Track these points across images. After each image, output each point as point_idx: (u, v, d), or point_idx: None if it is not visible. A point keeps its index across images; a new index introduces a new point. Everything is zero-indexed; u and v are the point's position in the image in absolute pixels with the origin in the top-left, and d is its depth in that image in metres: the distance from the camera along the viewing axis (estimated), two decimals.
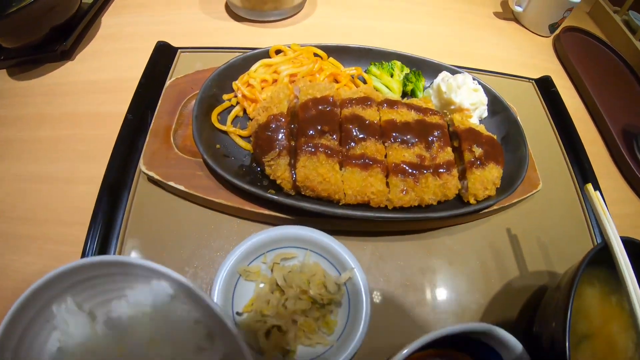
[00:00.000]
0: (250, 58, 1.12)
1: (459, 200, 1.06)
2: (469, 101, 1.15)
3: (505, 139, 1.21)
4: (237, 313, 0.88)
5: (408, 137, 1.00)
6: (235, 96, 1.08)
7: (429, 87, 1.22)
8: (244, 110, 1.08)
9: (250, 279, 0.91)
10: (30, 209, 1.00)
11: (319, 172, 0.92)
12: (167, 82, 1.18)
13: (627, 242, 0.82)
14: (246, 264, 0.91)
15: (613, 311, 0.85)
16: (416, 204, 0.98)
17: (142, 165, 1.03)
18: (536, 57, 1.66)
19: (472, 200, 1.03)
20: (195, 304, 0.72)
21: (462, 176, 1.06)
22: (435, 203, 1.00)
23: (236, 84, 1.07)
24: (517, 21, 1.77)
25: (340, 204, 0.94)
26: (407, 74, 1.18)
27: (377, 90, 1.11)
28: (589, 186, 0.92)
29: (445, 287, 1.01)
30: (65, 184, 1.06)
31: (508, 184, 1.10)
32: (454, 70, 1.22)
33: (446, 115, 1.12)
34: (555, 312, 0.75)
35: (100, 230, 0.96)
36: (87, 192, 1.01)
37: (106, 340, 0.69)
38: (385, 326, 0.92)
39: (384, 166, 0.96)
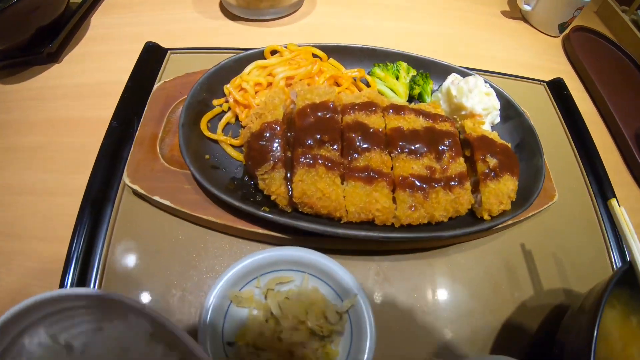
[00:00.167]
0: (243, 59, 0.99)
1: (471, 214, 0.92)
2: (481, 106, 1.01)
3: (519, 147, 1.08)
4: (228, 343, 0.75)
5: (417, 146, 0.86)
6: (227, 101, 0.94)
7: (437, 90, 1.08)
8: (237, 117, 0.94)
9: (243, 305, 0.78)
10: (10, 223, 0.91)
11: (318, 187, 0.78)
12: (155, 86, 1.04)
13: None
14: (238, 289, 0.78)
15: (634, 333, 0.77)
16: (425, 222, 0.84)
17: (125, 178, 0.90)
18: (545, 57, 1.52)
19: (486, 216, 0.90)
20: (175, 343, 0.60)
21: (475, 189, 0.92)
22: (446, 220, 0.86)
23: (227, 88, 0.93)
24: (525, 20, 1.62)
25: (341, 222, 0.81)
26: (414, 76, 1.04)
27: (381, 95, 0.97)
28: (614, 202, 0.79)
29: (456, 309, 0.88)
30: (47, 197, 0.94)
31: (523, 197, 0.96)
32: (464, 72, 1.08)
33: (456, 121, 0.99)
34: (579, 338, 0.69)
35: (82, 248, 0.84)
36: (70, 206, 0.89)
37: None
38: (390, 355, 0.80)
39: (390, 180, 0.82)
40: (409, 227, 0.83)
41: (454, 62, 1.15)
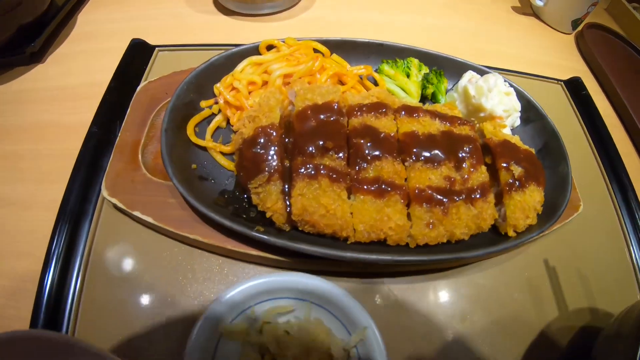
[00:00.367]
0: (236, 55, 0.83)
1: (493, 229, 0.78)
2: (502, 107, 0.86)
3: (542, 153, 0.93)
4: None
5: (434, 153, 0.71)
6: (216, 103, 0.79)
7: (451, 89, 0.93)
8: (228, 121, 0.79)
9: (234, 339, 0.63)
10: None
11: (321, 202, 0.63)
12: (138, 87, 0.89)
13: None
14: (229, 321, 0.64)
15: None
16: (444, 241, 0.69)
17: (103, 190, 0.75)
18: (558, 55, 1.37)
19: (511, 232, 0.75)
20: None
21: (497, 201, 0.77)
22: (467, 238, 0.72)
23: (217, 88, 0.78)
24: (537, 16, 1.47)
25: (348, 242, 0.66)
26: (426, 74, 0.88)
27: (392, 95, 0.81)
28: None
29: (476, 334, 0.75)
30: (23, 210, 0.81)
31: (549, 209, 0.82)
32: (481, 70, 0.93)
33: (474, 124, 0.83)
34: None
35: (57, 269, 0.71)
36: (47, 219, 0.76)
37: None
38: None
39: (404, 193, 0.67)
40: (426, 247, 0.69)
41: (463, 58, 1.00)
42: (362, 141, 0.68)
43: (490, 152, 0.81)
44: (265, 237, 0.63)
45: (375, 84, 0.87)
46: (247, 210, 0.71)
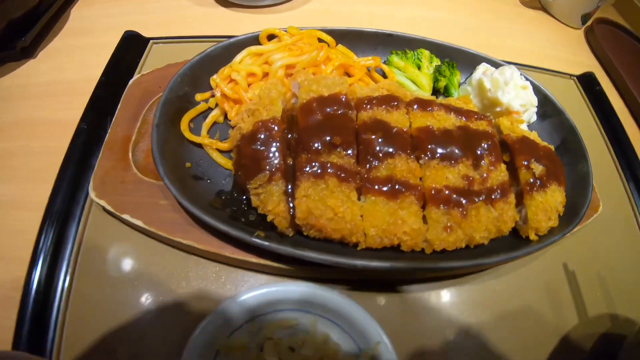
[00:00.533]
0: (233, 46, 0.75)
1: (513, 233, 0.70)
2: (519, 101, 0.78)
3: (560, 150, 0.85)
4: None
5: (450, 150, 0.63)
6: (213, 96, 0.71)
7: (464, 83, 0.85)
8: (225, 116, 0.71)
9: (233, 356, 0.55)
10: None
11: (329, 204, 0.55)
12: (130, 81, 0.80)
13: None
14: (226, 335, 0.56)
15: None
16: (463, 246, 0.61)
17: (91, 191, 0.67)
18: (567, 50, 1.29)
19: (532, 236, 0.68)
20: None
21: (517, 202, 0.69)
22: (486, 242, 0.64)
23: (214, 80, 0.70)
24: (546, 10, 1.39)
25: (358, 248, 0.58)
26: (438, 66, 0.80)
27: (402, 87, 0.73)
28: None
29: (494, 344, 0.68)
30: (9, 210, 0.75)
31: (570, 210, 0.74)
32: (495, 63, 0.85)
33: (491, 119, 0.75)
34: None
35: (42, 276, 0.64)
36: (33, 221, 0.69)
37: None
38: None
39: (419, 193, 0.59)
40: (443, 252, 0.60)
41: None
42: (372, 137, 0.60)
43: (508, 149, 0.73)
44: (266, 243, 0.55)
45: (384, 76, 0.79)
46: (247, 213, 0.62)
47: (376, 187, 0.58)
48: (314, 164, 0.57)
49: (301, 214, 0.55)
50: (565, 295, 0.78)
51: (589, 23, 1.37)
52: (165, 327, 0.61)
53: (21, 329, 0.59)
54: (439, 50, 0.84)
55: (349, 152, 0.58)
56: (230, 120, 0.70)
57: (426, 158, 0.62)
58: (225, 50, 0.75)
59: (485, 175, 0.64)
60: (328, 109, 0.60)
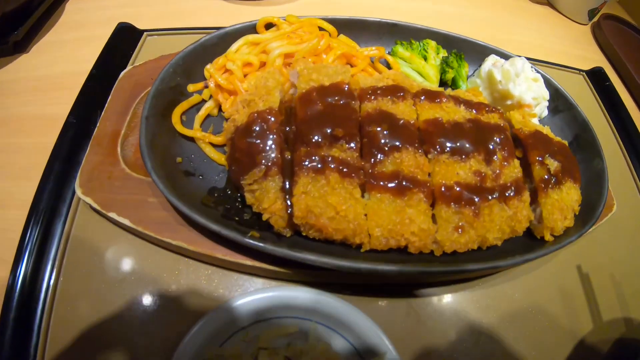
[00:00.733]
0: (229, 35, 0.69)
1: (527, 233, 0.63)
2: (531, 94, 0.71)
3: (572, 147, 0.79)
4: None
5: (460, 144, 0.57)
6: (207, 87, 0.65)
7: (472, 75, 0.78)
8: (220, 108, 0.65)
9: None
10: None
11: (330, 202, 0.49)
12: (122, 73, 0.74)
13: None
14: (218, 344, 0.50)
15: None
16: (475, 247, 0.55)
17: (77, 188, 0.61)
18: (575, 45, 1.23)
19: (547, 236, 0.62)
20: None
21: (532, 201, 0.63)
22: (500, 244, 0.57)
23: (208, 70, 0.64)
24: (551, 5, 1.32)
25: (362, 250, 0.52)
26: (445, 57, 0.74)
27: (408, 78, 0.67)
28: None
29: (505, 352, 0.62)
30: None
31: (585, 209, 0.68)
32: (505, 55, 0.78)
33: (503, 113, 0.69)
34: None
35: (26, 275, 0.58)
36: (18, 220, 0.63)
37: None
38: None
39: (428, 190, 0.53)
40: (453, 255, 0.54)
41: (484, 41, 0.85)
42: (377, 129, 0.53)
43: (521, 144, 0.67)
44: (260, 244, 0.49)
45: (389, 67, 0.73)
46: (241, 211, 0.56)
47: (381, 183, 0.51)
48: (313, 157, 0.50)
49: (299, 212, 0.49)
50: (579, 299, 0.72)
51: (595, 19, 1.31)
52: (153, 334, 0.55)
53: (4, 331, 0.53)
54: (446, 41, 0.78)
55: (352, 145, 0.52)
56: (224, 113, 0.64)
57: (435, 152, 0.55)
58: (221, 40, 0.69)
59: (498, 171, 0.58)
60: (329, 99, 0.54)
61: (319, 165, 0.50)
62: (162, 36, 0.86)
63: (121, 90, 0.72)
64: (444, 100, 0.61)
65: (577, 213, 0.66)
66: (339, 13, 0.86)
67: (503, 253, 0.58)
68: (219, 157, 0.61)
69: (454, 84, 0.75)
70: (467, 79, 0.76)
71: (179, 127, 0.62)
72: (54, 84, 0.88)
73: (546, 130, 0.70)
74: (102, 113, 0.71)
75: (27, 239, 0.61)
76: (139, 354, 0.53)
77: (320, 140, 0.51)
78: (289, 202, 0.51)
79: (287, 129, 0.56)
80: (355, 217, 0.50)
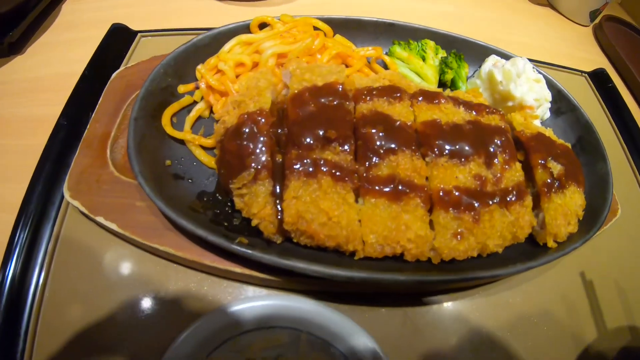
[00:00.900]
0: (222, 35, 0.66)
1: (529, 239, 0.60)
2: (533, 95, 0.68)
3: (575, 149, 0.75)
4: None
5: (460, 147, 0.53)
6: (197, 88, 0.62)
7: (472, 77, 0.75)
8: (211, 109, 0.62)
9: None
10: None
11: (322, 207, 0.46)
12: (114, 74, 0.72)
13: None
14: (205, 354, 0.47)
15: None
16: (475, 255, 0.51)
17: (65, 191, 0.59)
18: (577, 47, 1.19)
19: (550, 243, 0.58)
20: None
21: (534, 206, 0.59)
22: (501, 251, 0.54)
23: (199, 70, 0.61)
24: (552, 7, 1.29)
25: (356, 257, 0.48)
26: (444, 58, 0.71)
27: (406, 78, 0.64)
28: None
29: None
30: None
31: (588, 214, 0.65)
32: (506, 55, 0.75)
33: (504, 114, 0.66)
34: None
35: (14, 280, 0.55)
36: (5, 223, 0.61)
37: None
38: None
39: (425, 195, 0.50)
40: (452, 263, 0.51)
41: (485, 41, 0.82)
42: (372, 131, 0.50)
43: (522, 147, 0.63)
44: (248, 251, 0.45)
45: (386, 68, 0.70)
46: (230, 217, 0.53)
47: (376, 187, 0.48)
48: (305, 160, 0.47)
49: (290, 218, 0.46)
50: (582, 307, 0.68)
51: (597, 20, 1.27)
52: (140, 340, 0.52)
53: None
54: (445, 41, 0.75)
55: (346, 147, 0.49)
56: (215, 114, 0.61)
57: (433, 155, 0.52)
58: (214, 40, 0.66)
59: (499, 175, 0.55)
60: (322, 100, 0.51)
61: (311, 169, 0.47)
62: (156, 37, 0.83)
63: (112, 92, 0.70)
64: (443, 102, 0.57)
65: (580, 218, 0.62)
66: (336, 14, 0.83)
67: (504, 260, 0.54)
68: (209, 160, 0.58)
69: (453, 85, 0.71)
70: (467, 80, 0.73)
71: (169, 129, 0.59)
72: (47, 86, 0.85)
73: (548, 132, 0.67)
74: (93, 115, 0.68)
75: (15, 242, 0.58)
76: None
77: (312, 142, 0.48)
78: (279, 207, 0.48)
79: (280, 131, 0.53)
80: (349, 223, 0.46)
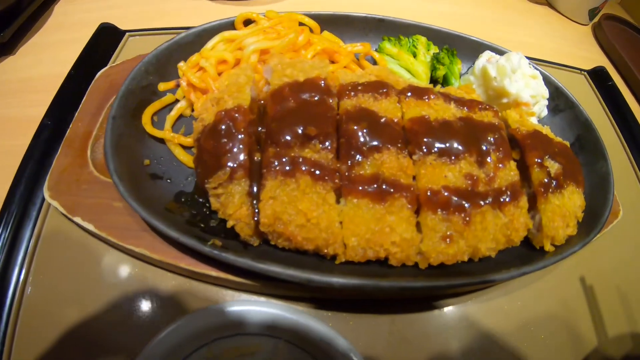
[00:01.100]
0: (206, 32, 0.63)
1: (524, 242, 0.55)
2: (529, 92, 0.64)
3: (574, 148, 0.71)
4: None
5: (450, 144, 0.49)
6: (178, 85, 0.59)
7: (466, 74, 0.71)
8: (193, 108, 0.59)
9: None
10: None
11: (300, 208, 0.42)
12: (98, 73, 0.69)
13: None
14: None
15: None
16: (466, 259, 0.47)
17: (45, 191, 0.56)
18: (576, 45, 1.15)
19: (547, 246, 0.54)
20: None
21: (530, 207, 0.55)
22: (494, 255, 0.49)
23: (181, 68, 0.58)
24: (551, 5, 1.24)
25: (336, 261, 0.44)
26: (436, 54, 0.67)
27: (394, 74, 0.60)
28: None
29: None
30: None
31: (588, 216, 0.60)
32: (500, 51, 0.71)
33: (498, 111, 0.61)
34: None
35: None
36: None
37: None
38: None
39: (412, 196, 0.46)
40: (441, 267, 0.47)
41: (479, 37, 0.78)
42: (355, 127, 0.46)
43: (518, 146, 0.59)
44: (222, 254, 0.42)
45: (375, 64, 0.66)
46: (208, 218, 0.50)
47: (359, 187, 0.44)
48: (283, 159, 0.44)
49: (266, 219, 0.42)
50: (582, 314, 0.64)
51: (596, 19, 1.22)
52: (114, 344, 0.48)
53: None
54: (438, 37, 0.70)
55: (327, 145, 0.45)
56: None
57: (421, 153, 0.48)
58: (197, 37, 0.63)
59: (492, 174, 0.51)
60: (303, 96, 0.47)
61: (289, 167, 0.43)
62: (144, 36, 0.81)
63: (96, 91, 0.67)
64: (433, 97, 0.53)
65: (580, 220, 0.58)
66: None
67: (497, 265, 0.50)
68: (188, 160, 0.54)
69: (445, 82, 0.67)
70: (461, 76, 0.69)
71: (149, 128, 0.56)
72: (36, 86, 0.83)
73: (546, 130, 0.62)
74: (76, 114, 0.65)
75: None
76: None
77: (290, 139, 0.44)
78: (256, 208, 0.44)
79: (260, 129, 0.50)
80: (329, 225, 0.42)
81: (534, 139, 0.58)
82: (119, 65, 0.70)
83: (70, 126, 0.63)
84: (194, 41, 0.63)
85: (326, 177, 0.44)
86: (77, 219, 0.53)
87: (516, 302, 0.60)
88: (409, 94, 0.53)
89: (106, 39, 0.79)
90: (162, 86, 0.59)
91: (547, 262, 0.52)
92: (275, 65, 0.51)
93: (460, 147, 0.49)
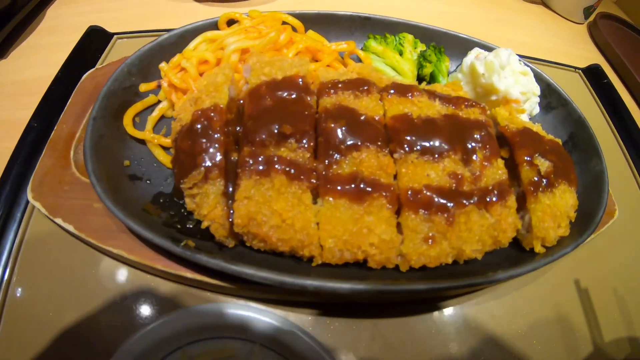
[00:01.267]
0: (188, 33, 0.62)
1: (514, 243, 0.53)
2: (519, 89, 0.61)
3: (567, 146, 0.68)
4: None
5: (433, 142, 0.47)
6: (159, 86, 0.57)
7: (454, 71, 0.68)
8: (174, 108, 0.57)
9: None
10: None
11: (274, 208, 0.40)
12: (84, 75, 0.68)
13: None
14: None
15: None
16: (450, 261, 0.45)
17: (28, 193, 0.55)
18: (571, 44, 1.12)
19: (538, 248, 0.51)
20: None
21: (519, 206, 0.52)
22: (480, 257, 0.47)
23: (162, 68, 0.57)
24: (546, 5, 1.21)
25: (313, 264, 0.42)
26: (423, 51, 0.64)
27: (378, 71, 0.58)
28: None
29: None
30: None
31: (582, 216, 0.58)
32: (490, 48, 0.68)
33: (486, 109, 0.59)
34: None
35: None
36: None
37: None
38: None
39: (392, 195, 0.43)
40: (423, 270, 0.44)
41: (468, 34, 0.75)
42: (333, 125, 0.44)
43: (507, 144, 0.56)
44: (195, 255, 0.40)
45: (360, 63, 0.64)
46: (185, 219, 0.48)
47: (337, 187, 0.42)
48: (258, 158, 0.42)
49: (240, 219, 0.40)
50: (577, 318, 0.61)
51: (591, 18, 1.19)
52: (91, 347, 0.47)
53: None
54: (426, 35, 0.68)
55: (304, 143, 0.43)
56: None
57: (402, 151, 0.46)
58: (180, 38, 0.61)
59: (477, 172, 0.48)
60: (280, 94, 0.46)
61: (263, 167, 0.41)
62: (132, 39, 0.80)
63: (81, 93, 0.66)
64: (417, 95, 0.51)
65: (572, 220, 0.55)
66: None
67: (483, 268, 0.47)
68: (168, 161, 0.53)
69: (432, 80, 0.65)
70: (448, 74, 0.66)
71: (130, 129, 0.54)
72: (27, 89, 0.82)
73: (536, 127, 0.59)
74: (61, 116, 0.64)
75: None
76: None
77: (265, 138, 0.42)
78: (231, 209, 0.42)
79: (238, 128, 0.48)
80: (305, 226, 0.40)
81: (524, 136, 0.56)
82: (104, 67, 0.69)
83: (55, 128, 0.62)
84: (176, 42, 0.61)
85: (302, 177, 0.42)
86: (59, 220, 0.52)
87: (506, 307, 0.57)
88: (392, 91, 0.51)
89: (94, 42, 0.78)
90: (143, 87, 0.57)
91: (537, 265, 0.49)
92: (253, 63, 0.49)
93: (444, 145, 0.47)
